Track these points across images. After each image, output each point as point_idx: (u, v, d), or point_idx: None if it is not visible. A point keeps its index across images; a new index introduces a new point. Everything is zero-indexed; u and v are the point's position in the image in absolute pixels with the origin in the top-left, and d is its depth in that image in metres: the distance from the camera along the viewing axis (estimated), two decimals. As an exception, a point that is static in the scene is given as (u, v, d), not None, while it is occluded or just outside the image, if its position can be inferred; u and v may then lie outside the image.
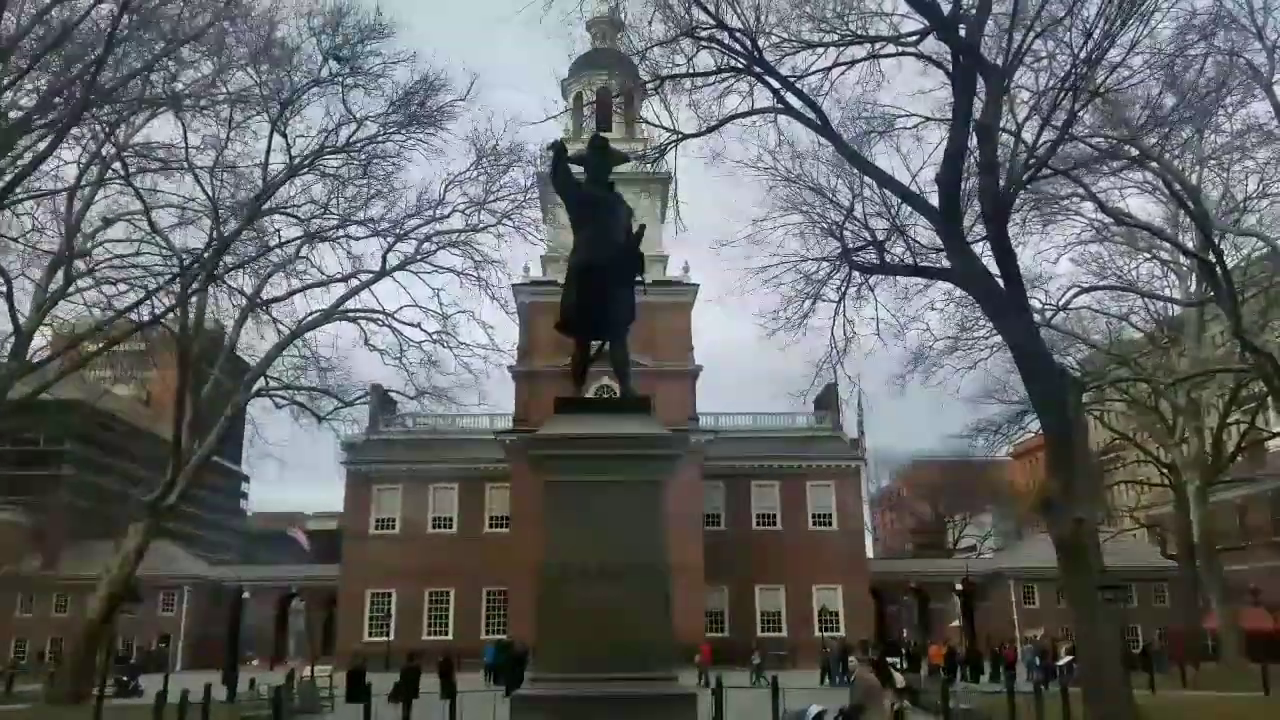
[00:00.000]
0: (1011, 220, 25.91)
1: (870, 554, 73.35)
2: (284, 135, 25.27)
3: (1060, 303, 31.16)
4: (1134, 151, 25.03)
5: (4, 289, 26.04)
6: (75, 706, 21.48)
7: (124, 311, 24.81)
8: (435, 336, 29.89)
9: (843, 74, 20.98)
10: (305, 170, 26.20)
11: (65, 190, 26.30)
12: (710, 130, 21.52)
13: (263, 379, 27.86)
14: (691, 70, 20.96)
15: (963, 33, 19.18)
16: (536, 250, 46.01)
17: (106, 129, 24.96)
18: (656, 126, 28.48)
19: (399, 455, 53.89)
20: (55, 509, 54.97)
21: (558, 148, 9.61)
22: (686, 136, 22.37)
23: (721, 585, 52.50)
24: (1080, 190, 26.97)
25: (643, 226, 9.89)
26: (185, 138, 25.94)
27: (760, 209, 24.56)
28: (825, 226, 25.01)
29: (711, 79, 21.08)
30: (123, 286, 25.81)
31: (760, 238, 24.84)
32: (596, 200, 9.36)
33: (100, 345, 28.21)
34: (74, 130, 23.85)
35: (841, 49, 20.88)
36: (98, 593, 24.10)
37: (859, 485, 59.38)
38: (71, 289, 27.11)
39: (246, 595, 61.08)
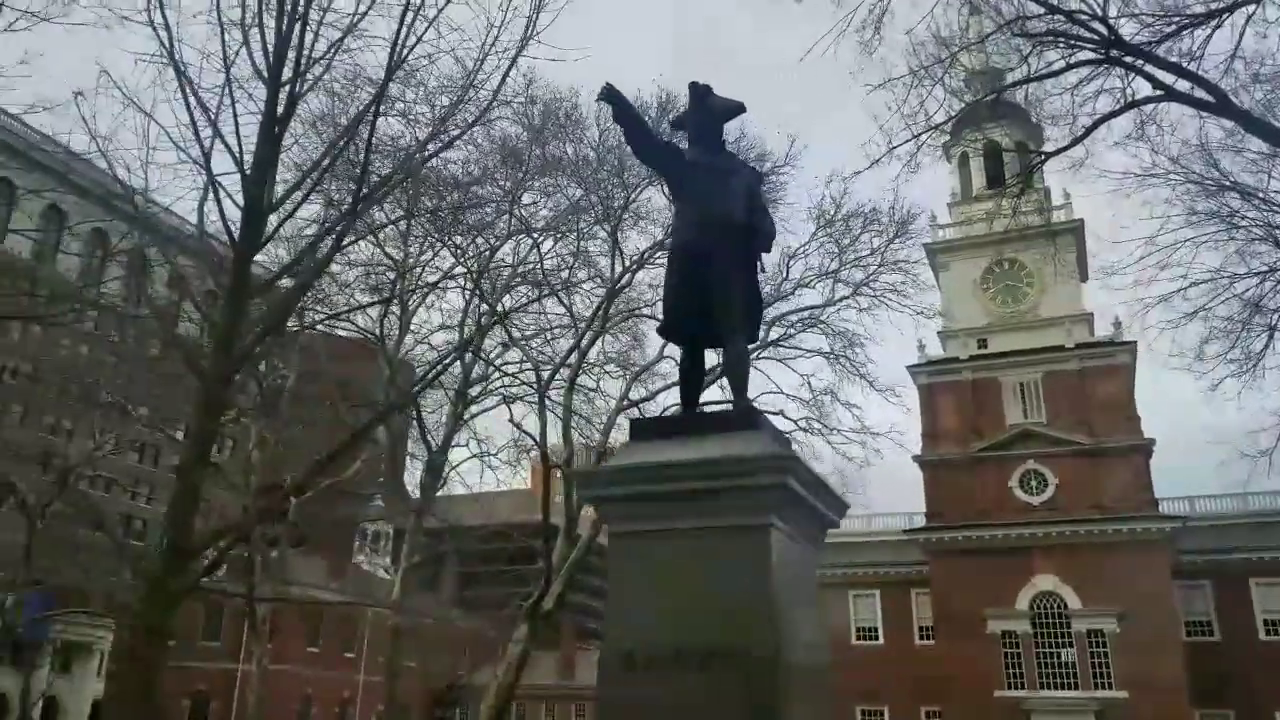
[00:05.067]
0: None
1: None
2: (616, 240, 25.77)
3: None
4: None
5: (414, 417, 29.06)
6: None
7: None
8: (801, 424, 28.30)
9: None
10: (638, 269, 26.46)
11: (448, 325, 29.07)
12: (1076, 141, 17.65)
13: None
14: (1028, 75, 17.50)
15: None
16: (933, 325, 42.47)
17: (477, 264, 27.28)
18: (1012, 151, 24.62)
19: (814, 560, 51.69)
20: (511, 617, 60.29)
21: (611, 97, 6.68)
22: (1048, 156, 18.88)
23: (1223, 710, 42.05)
24: None
25: (760, 178, 7.15)
26: (540, 258, 27.52)
27: (1150, 224, 19.51)
28: (1259, 232, 19.28)
29: (1061, 78, 17.33)
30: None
31: (1160, 260, 19.67)
32: (698, 167, 6.75)
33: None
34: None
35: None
36: (484, 701, 24.97)
37: None
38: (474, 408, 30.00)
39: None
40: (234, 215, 14.88)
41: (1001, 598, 43.75)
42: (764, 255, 6.86)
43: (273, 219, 15.09)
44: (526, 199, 26.33)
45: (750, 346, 26.82)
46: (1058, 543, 43.26)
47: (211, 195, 14.63)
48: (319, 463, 17.08)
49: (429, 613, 37.20)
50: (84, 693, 54.01)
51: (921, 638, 48.57)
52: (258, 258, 16.37)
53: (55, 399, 37.11)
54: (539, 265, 27.31)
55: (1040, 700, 42.03)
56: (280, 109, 15.23)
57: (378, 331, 30.08)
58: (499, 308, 26.67)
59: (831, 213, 27.22)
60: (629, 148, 7.61)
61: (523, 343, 29.18)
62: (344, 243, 16.61)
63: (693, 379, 6.95)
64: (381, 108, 15.38)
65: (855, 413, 27.89)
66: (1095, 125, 17.01)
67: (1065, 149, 17.73)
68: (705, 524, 5.45)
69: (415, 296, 29.78)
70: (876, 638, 50.54)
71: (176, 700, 51.71)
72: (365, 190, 15.40)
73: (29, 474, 36.96)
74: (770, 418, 26.58)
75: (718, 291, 6.31)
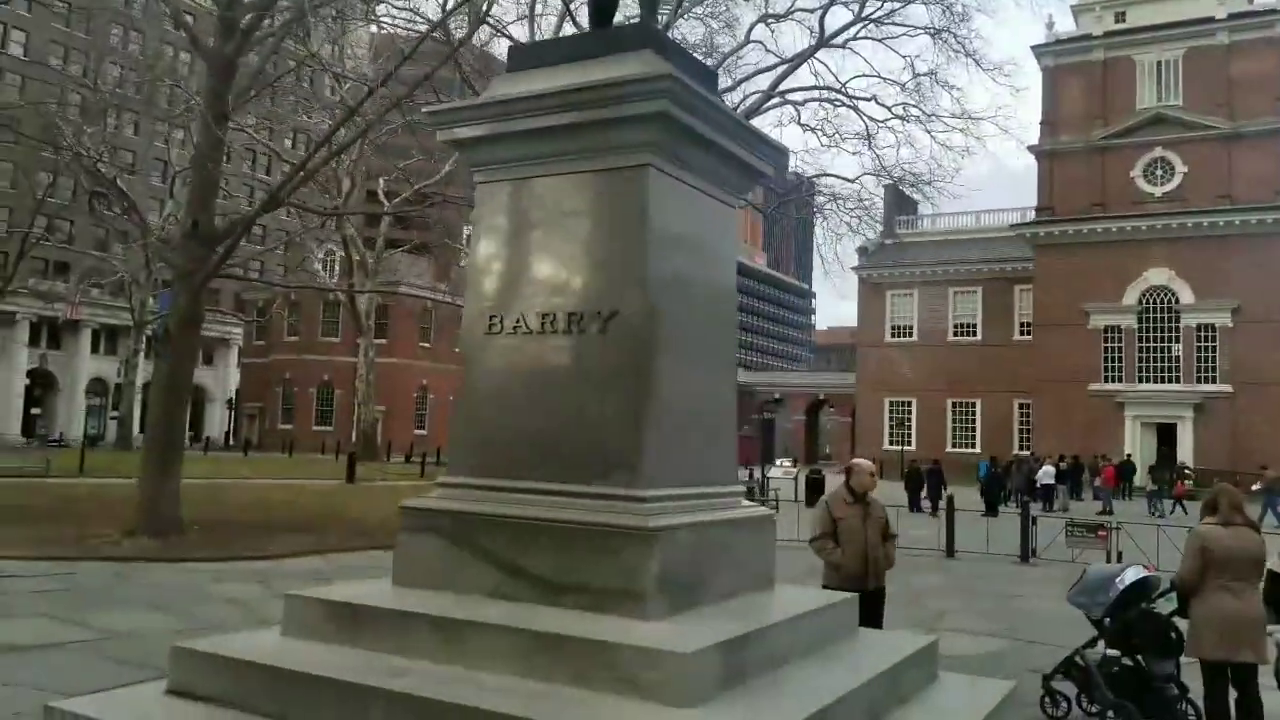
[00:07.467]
0: None
1: None
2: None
3: None
4: None
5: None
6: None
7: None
8: (898, 110, 26.48)
9: None
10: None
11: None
12: None
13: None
14: None
15: None
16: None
17: None
18: None
19: (913, 258, 50.54)
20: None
21: None
22: None
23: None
24: None
25: None
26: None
27: None
28: None
29: None
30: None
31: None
32: None
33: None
34: None
35: None
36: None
37: None
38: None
39: (778, 397, 64.19)
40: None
41: (1108, 292, 42.19)
42: None
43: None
44: None
45: (846, 23, 24.27)
46: (1178, 235, 40.74)
47: None
48: (324, 145, 16.30)
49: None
50: (228, 380, 60.00)
51: (1021, 333, 47.93)
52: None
53: (148, 103, 37.54)
54: None
55: (1137, 393, 41.52)
56: None
57: (457, 34, 28.78)
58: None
59: None
60: None
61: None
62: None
63: None
64: None
65: (956, 95, 25.78)
66: None
67: None
68: (574, 168, 4.67)
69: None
70: (975, 334, 50.16)
71: (305, 388, 57.29)
72: None
73: (139, 182, 38.42)
74: (862, 104, 24.62)
75: None
